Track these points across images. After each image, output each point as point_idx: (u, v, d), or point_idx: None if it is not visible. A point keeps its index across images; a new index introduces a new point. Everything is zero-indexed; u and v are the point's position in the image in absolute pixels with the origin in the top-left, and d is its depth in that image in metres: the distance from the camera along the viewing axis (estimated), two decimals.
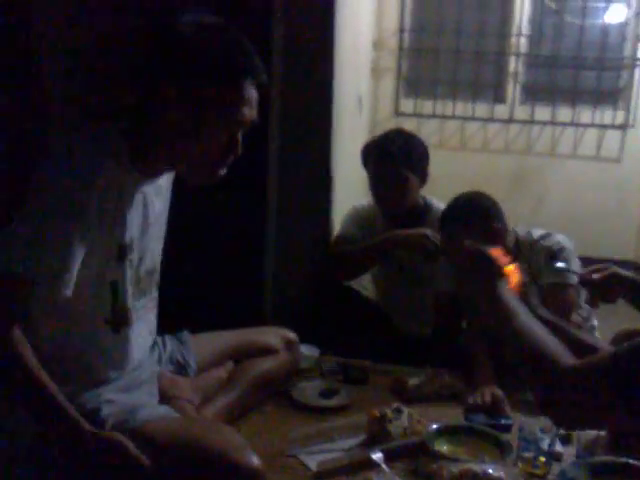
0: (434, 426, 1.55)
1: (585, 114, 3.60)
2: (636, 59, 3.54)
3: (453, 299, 2.08)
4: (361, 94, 3.17)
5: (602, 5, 3.59)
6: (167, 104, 1.22)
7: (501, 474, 1.33)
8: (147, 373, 1.42)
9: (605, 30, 3.59)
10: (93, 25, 1.94)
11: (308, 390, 1.80)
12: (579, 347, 1.13)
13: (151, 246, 1.39)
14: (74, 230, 1.17)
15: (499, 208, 2.01)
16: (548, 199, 3.62)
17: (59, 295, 1.16)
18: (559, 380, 1.02)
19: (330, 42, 2.24)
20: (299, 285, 2.25)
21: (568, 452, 1.52)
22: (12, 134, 1.93)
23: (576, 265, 1.94)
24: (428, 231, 2.08)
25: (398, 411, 1.58)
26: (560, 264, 1.85)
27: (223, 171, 1.30)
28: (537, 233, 2.02)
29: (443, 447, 1.50)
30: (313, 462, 1.49)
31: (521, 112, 3.65)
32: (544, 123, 3.63)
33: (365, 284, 2.46)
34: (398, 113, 3.70)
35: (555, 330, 1.17)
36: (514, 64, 3.65)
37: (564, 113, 3.60)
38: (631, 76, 3.57)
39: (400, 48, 3.67)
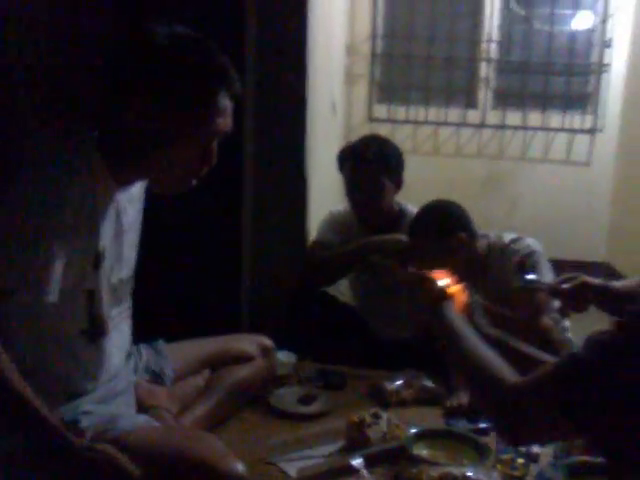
0: (413, 430, 1.55)
1: (555, 119, 3.66)
2: (603, 65, 3.61)
3: None
4: (335, 100, 3.18)
5: (569, 12, 3.66)
6: (141, 114, 1.21)
7: (480, 477, 1.34)
8: (123, 383, 1.40)
9: (573, 37, 3.66)
10: (64, 33, 1.91)
11: (286, 397, 1.79)
12: (525, 362, 1.14)
13: (125, 254, 1.37)
14: (50, 239, 1.15)
15: (466, 216, 2.03)
16: (520, 202, 3.67)
17: (42, 302, 1.15)
18: (504, 399, 1.02)
19: (303, 48, 2.25)
20: (275, 291, 2.24)
21: (545, 453, 1.53)
22: None
23: (547, 268, 1.97)
24: (403, 237, 2.10)
25: (377, 416, 1.58)
26: (530, 276, 1.87)
27: (196, 181, 1.29)
28: (508, 237, 2.04)
29: (422, 451, 1.50)
30: (292, 469, 1.48)
31: (493, 117, 3.70)
32: (515, 128, 3.68)
33: (342, 289, 2.46)
34: (372, 119, 3.72)
35: (501, 347, 1.19)
36: (485, 70, 3.70)
37: (534, 118, 3.66)
38: (598, 81, 3.64)
39: (373, 54, 3.70)
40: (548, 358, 1.28)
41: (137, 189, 1.38)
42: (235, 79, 1.26)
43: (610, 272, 3.23)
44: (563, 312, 1.83)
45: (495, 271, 2.01)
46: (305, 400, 1.78)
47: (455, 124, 3.70)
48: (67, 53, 1.92)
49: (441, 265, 1.92)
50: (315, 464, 1.50)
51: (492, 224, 2.31)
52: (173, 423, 1.45)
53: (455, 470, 1.34)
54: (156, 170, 1.28)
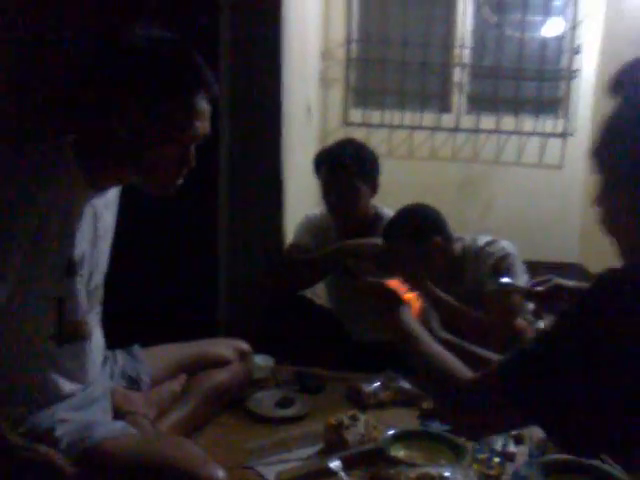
0: (390, 432, 1.56)
1: (527, 123, 3.71)
2: (573, 70, 3.67)
3: None
4: (310, 104, 3.19)
5: (540, 19, 3.72)
6: (119, 118, 1.20)
7: (457, 477, 1.35)
8: (100, 389, 1.39)
9: (543, 43, 3.72)
10: (39, 37, 1.90)
11: (264, 400, 1.79)
12: (479, 363, 1.18)
13: (100, 261, 1.37)
14: (10, 240, 1.15)
15: (442, 219, 2.04)
16: (494, 205, 3.71)
17: None
18: (457, 394, 1.08)
19: (278, 52, 2.26)
20: (252, 295, 2.24)
21: (521, 452, 1.55)
22: None
23: (521, 270, 1.99)
24: (379, 240, 2.11)
25: (354, 418, 1.58)
26: (504, 279, 1.90)
27: (179, 182, 1.29)
28: (483, 240, 2.06)
29: (400, 452, 1.51)
30: (271, 473, 1.48)
31: (467, 121, 3.74)
32: (489, 132, 3.72)
33: (319, 292, 2.47)
34: (347, 123, 3.74)
35: (455, 349, 1.25)
36: (459, 75, 3.74)
37: (507, 122, 3.70)
38: (569, 86, 3.71)
39: (348, 59, 3.71)
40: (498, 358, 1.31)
41: (112, 193, 1.38)
42: (213, 82, 1.26)
43: (583, 273, 3.29)
44: (537, 314, 1.86)
45: (470, 274, 2.03)
46: (283, 403, 1.78)
47: (430, 128, 3.72)
48: (45, 56, 1.91)
49: (417, 268, 1.95)
50: (293, 467, 1.50)
51: (466, 227, 2.33)
52: (150, 429, 1.44)
53: (432, 470, 1.35)
54: (135, 174, 1.27)
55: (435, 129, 3.73)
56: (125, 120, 1.20)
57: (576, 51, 3.66)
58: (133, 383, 1.51)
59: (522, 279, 1.95)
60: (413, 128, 3.72)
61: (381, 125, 3.70)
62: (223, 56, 2.12)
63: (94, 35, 1.77)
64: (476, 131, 3.72)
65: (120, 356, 1.53)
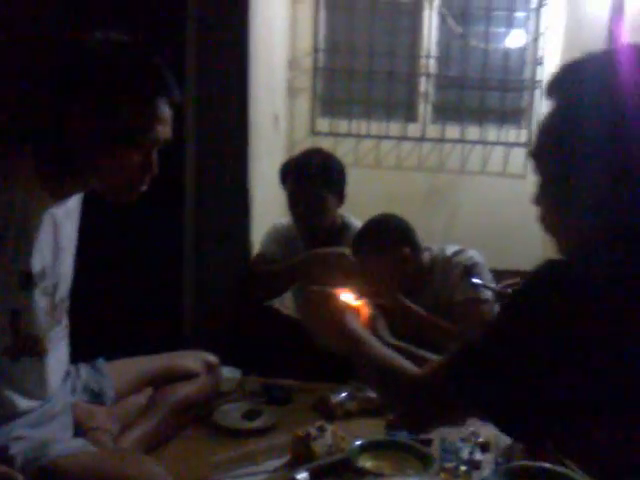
0: (358, 442, 1.56)
1: (492, 133, 3.77)
2: (535, 81, 3.75)
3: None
4: (277, 113, 3.19)
5: (503, 30, 3.79)
6: (78, 124, 1.18)
7: None
8: (60, 405, 1.36)
9: (507, 54, 3.79)
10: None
11: (231, 413, 1.77)
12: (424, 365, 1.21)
13: (64, 271, 1.34)
14: None
15: (410, 230, 2.05)
16: (460, 214, 3.75)
17: None
18: (406, 388, 1.11)
19: (245, 61, 2.25)
20: (219, 306, 2.22)
21: (487, 460, 1.57)
22: None
23: (489, 279, 2.02)
24: (345, 250, 2.11)
25: (322, 429, 1.58)
26: (476, 280, 1.92)
27: (142, 189, 1.27)
28: (451, 249, 2.08)
29: (367, 463, 1.51)
30: None
31: (432, 131, 3.78)
32: (454, 141, 3.77)
33: (286, 302, 2.46)
34: (314, 132, 3.74)
35: (404, 354, 1.28)
36: (424, 84, 3.78)
37: (472, 132, 3.76)
38: (532, 97, 3.78)
39: (315, 68, 3.72)
40: None
41: (73, 202, 1.35)
42: (174, 86, 1.25)
43: None
44: None
45: (438, 283, 2.05)
46: (250, 416, 1.76)
47: (396, 137, 3.76)
48: (1, 59, 1.86)
49: (386, 279, 1.96)
50: None
51: (433, 235, 2.35)
52: (112, 445, 1.41)
53: None
54: (96, 181, 1.25)
55: (401, 138, 3.76)
56: (85, 125, 1.18)
57: (538, 62, 3.74)
58: (96, 398, 1.48)
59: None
60: (380, 137, 3.75)
61: (348, 134, 3.72)
62: (189, 65, 2.11)
63: (53, 38, 1.74)
64: (441, 141, 3.77)
65: (83, 370, 1.50)
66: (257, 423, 1.74)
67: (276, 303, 2.35)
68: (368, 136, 3.74)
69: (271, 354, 2.09)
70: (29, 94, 1.71)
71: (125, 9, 1.96)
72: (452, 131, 3.77)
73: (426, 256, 2.08)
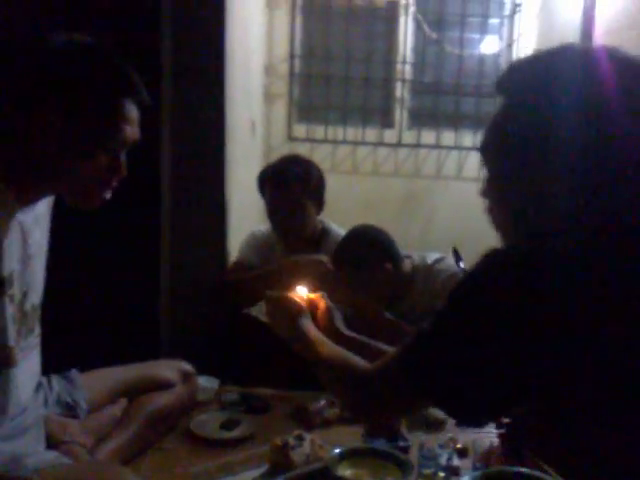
0: (336, 451, 1.55)
1: (467, 138, 3.80)
2: None
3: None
4: (254, 119, 3.17)
5: (477, 37, 3.83)
6: (44, 126, 1.16)
7: None
8: (32, 418, 1.32)
9: (481, 60, 3.82)
10: None
11: (208, 423, 1.75)
12: (380, 356, 1.23)
13: (34, 279, 1.31)
14: None
15: (390, 243, 2.05)
16: (436, 219, 3.77)
17: None
18: (358, 382, 1.15)
19: (221, 66, 2.24)
20: (195, 314, 2.20)
21: (465, 465, 1.57)
22: None
23: None
24: (324, 257, 2.11)
25: (300, 438, 1.57)
26: (462, 263, 1.94)
27: (107, 194, 1.25)
28: (431, 257, 2.09)
29: (346, 471, 1.49)
30: None
31: (408, 136, 3.79)
32: (430, 147, 3.79)
33: (264, 310, 2.44)
34: (291, 138, 3.74)
35: (361, 346, 1.38)
36: (400, 90, 3.80)
37: (448, 137, 3.78)
38: None
39: (291, 74, 3.72)
40: None
41: (43, 208, 1.32)
42: (140, 87, 1.24)
43: None
44: None
45: (419, 292, 2.05)
46: (227, 425, 1.74)
47: (372, 143, 3.76)
48: None
49: (367, 293, 1.98)
50: None
51: (409, 240, 2.36)
52: (86, 458, 1.38)
53: None
54: (63, 183, 1.22)
55: (378, 144, 3.77)
56: (51, 127, 1.16)
57: None
58: (69, 410, 1.45)
59: None
60: (356, 143, 3.76)
61: (325, 140, 3.72)
62: (165, 71, 2.09)
63: (16, 40, 1.71)
64: (417, 146, 3.78)
65: (55, 381, 1.47)
66: (235, 433, 1.72)
67: (253, 311, 2.34)
68: (344, 142, 3.74)
69: (249, 362, 2.08)
70: None
71: (99, 8, 1.94)
72: (428, 137, 3.79)
73: (407, 264, 2.08)
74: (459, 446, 1.62)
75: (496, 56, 3.84)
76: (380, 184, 3.77)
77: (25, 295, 1.26)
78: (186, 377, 1.70)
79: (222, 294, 2.24)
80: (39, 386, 1.42)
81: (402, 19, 3.76)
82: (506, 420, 1.41)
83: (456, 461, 1.56)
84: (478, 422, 1.11)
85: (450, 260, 2.06)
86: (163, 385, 1.64)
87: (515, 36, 3.77)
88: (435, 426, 1.78)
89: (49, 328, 1.39)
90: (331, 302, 1.55)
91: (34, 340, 1.34)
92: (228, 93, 2.29)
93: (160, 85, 2.11)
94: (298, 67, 3.74)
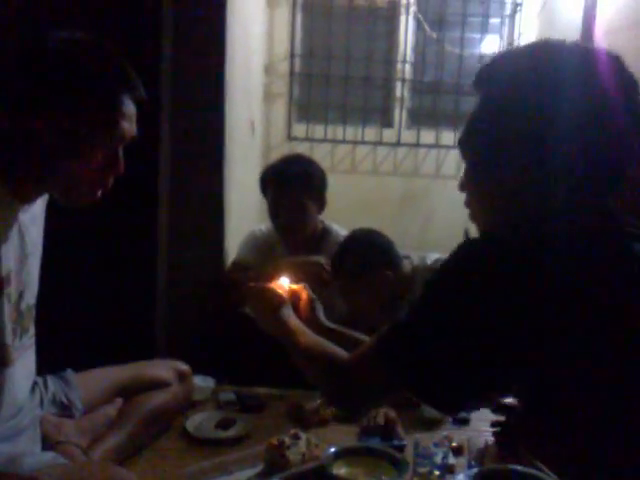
0: (332, 449, 1.55)
1: None
2: None
3: (347, 323, 2.10)
4: (254, 118, 3.18)
5: (478, 36, 3.82)
6: (42, 123, 1.16)
7: None
8: (28, 418, 1.32)
9: (481, 59, 3.81)
10: None
11: (204, 422, 1.75)
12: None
13: (30, 279, 1.31)
14: None
15: (390, 248, 2.04)
16: (435, 218, 3.77)
17: None
18: (338, 371, 1.17)
19: (221, 65, 2.24)
20: (192, 314, 2.20)
21: (460, 463, 1.57)
22: None
23: None
24: (322, 259, 2.10)
25: (296, 437, 1.57)
26: None
27: (105, 190, 1.26)
28: (431, 258, 2.09)
29: (342, 470, 1.50)
30: None
31: (408, 136, 3.79)
32: (429, 146, 3.79)
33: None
34: (291, 137, 3.74)
35: (341, 337, 1.40)
36: (400, 90, 3.80)
37: (447, 136, 3.78)
38: None
39: (291, 73, 3.72)
40: None
41: (38, 207, 1.32)
42: (137, 83, 1.24)
43: None
44: None
45: (419, 292, 2.04)
46: (223, 425, 1.74)
47: (372, 143, 3.76)
48: None
49: (367, 299, 1.97)
50: None
51: (408, 239, 2.35)
52: (82, 458, 1.38)
53: None
54: (62, 182, 1.22)
55: (377, 144, 3.77)
56: (49, 124, 1.16)
57: None
58: (65, 410, 1.45)
59: None
60: (355, 143, 3.75)
61: (324, 140, 3.72)
62: (165, 65, 2.09)
63: (15, 38, 1.72)
64: (417, 145, 3.78)
65: (51, 382, 1.47)
66: (231, 432, 1.72)
67: (249, 311, 2.34)
68: (344, 141, 3.74)
69: (245, 362, 2.07)
70: None
71: (99, 8, 1.94)
72: (427, 136, 3.78)
73: (407, 265, 2.07)
74: (454, 444, 1.63)
75: None
76: (379, 183, 3.77)
77: (21, 295, 1.27)
78: (182, 377, 1.70)
79: (220, 293, 2.24)
80: (35, 386, 1.42)
81: (402, 18, 3.76)
82: (501, 419, 1.42)
83: (451, 459, 1.57)
84: (451, 408, 1.13)
85: None
86: (159, 385, 1.64)
87: (516, 36, 3.76)
88: (430, 425, 1.78)
89: (44, 328, 1.39)
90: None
91: (29, 340, 1.34)
92: (228, 93, 2.29)
93: (160, 85, 2.11)
94: (298, 66, 3.74)
